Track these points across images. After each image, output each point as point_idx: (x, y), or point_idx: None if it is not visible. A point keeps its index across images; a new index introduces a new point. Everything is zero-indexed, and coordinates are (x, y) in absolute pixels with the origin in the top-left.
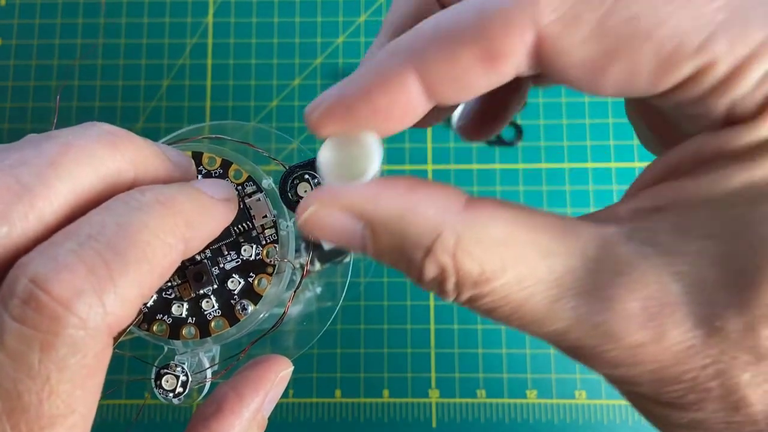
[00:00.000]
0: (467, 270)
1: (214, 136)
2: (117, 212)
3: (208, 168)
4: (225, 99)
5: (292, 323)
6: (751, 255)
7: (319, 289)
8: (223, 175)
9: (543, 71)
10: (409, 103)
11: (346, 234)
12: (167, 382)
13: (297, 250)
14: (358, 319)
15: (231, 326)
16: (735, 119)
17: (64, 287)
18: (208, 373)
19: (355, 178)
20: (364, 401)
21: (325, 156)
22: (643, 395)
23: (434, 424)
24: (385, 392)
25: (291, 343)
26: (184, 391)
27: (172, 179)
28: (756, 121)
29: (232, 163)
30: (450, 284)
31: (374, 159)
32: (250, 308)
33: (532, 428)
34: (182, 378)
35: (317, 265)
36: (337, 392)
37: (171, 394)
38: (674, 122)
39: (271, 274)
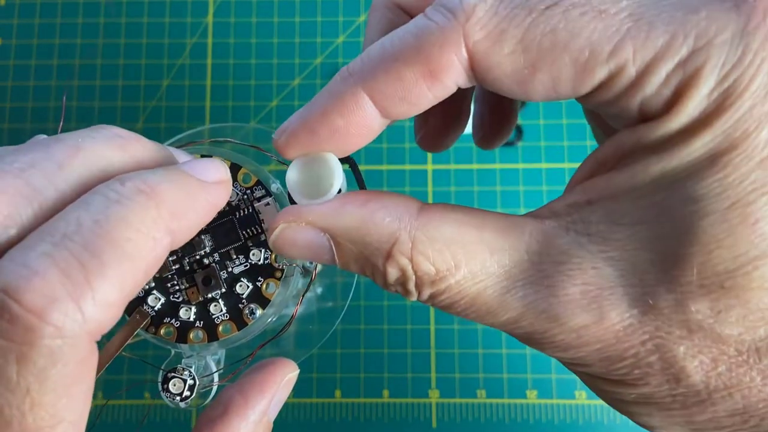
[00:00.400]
0: (424, 270)
1: (222, 139)
2: (94, 207)
3: None
4: (225, 99)
5: (294, 324)
6: (674, 236)
7: (319, 290)
8: (232, 179)
9: (479, 82)
10: (364, 121)
11: (313, 248)
12: (174, 385)
13: None
14: (358, 319)
15: (239, 330)
16: (648, 116)
17: (36, 296)
18: (216, 376)
19: (320, 195)
20: (364, 401)
21: (291, 176)
22: (595, 375)
23: (434, 424)
24: (385, 392)
25: (292, 345)
26: (191, 394)
27: None
28: (665, 116)
29: (241, 167)
30: (411, 285)
31: (336, 176)
32: (258, 312)
33: (532, 428)
34: (189, 381)
35: (318, 266)
36: (337, 392)
37: (178, 398)
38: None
39: (279, 279)
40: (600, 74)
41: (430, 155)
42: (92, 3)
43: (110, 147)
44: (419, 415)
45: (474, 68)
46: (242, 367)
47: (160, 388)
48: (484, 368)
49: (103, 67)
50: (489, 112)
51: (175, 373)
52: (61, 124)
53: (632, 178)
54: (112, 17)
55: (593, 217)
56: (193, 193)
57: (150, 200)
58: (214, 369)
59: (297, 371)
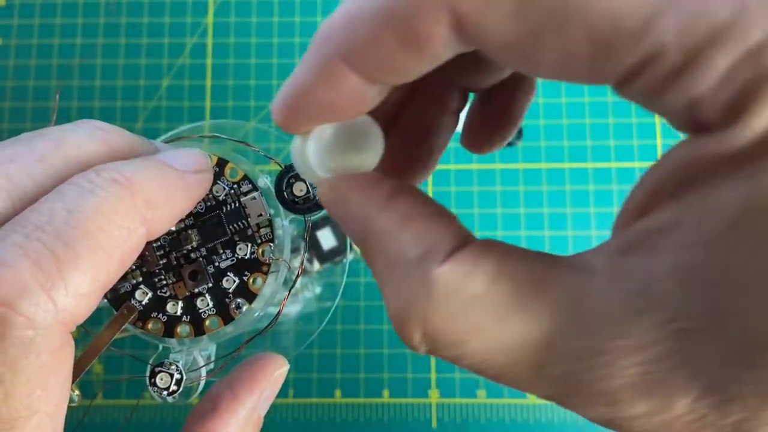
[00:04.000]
0: (445, 335)
1: (210, 135)
2: (68, 198)
3: None
4: (225, 99)
5: (291, 323)
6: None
7: (318, 290)
8: (219, 174)
9: (478, 50)
10: (352, 92)
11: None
12: (161, 380)
13: (296, 249)
14: (358, 319)
15: (226, 324)
16: (701, 125)
17: (6, 286)
18: (203, 371)
19: (358, 166)
20: (364, 401)
21: (314, 146)
22: None
23: (434, 425)
24: (385, 392)
25: (290, 343)
26: (178, 389)
27: None
28: (728, 128)
29: (228, 162)
30: (424, 349)
31: (374, 145)
32: (245, 307)
33: (532, 428)
34: (176, 376)
35: (316, 265)
36: (337, 392)
37: (165, 392)
38: None
39: (266, 273)
40: (627, 57)
41: None
42: (92, 3)
43: (92, 140)
44: (419, 416)
45: (463, 35)
46: (229, 361)
47: (147, 382)
48: None
49: (102, 67)
50: (480, 107)
51: (162, 367)
52: (53, 121)
53: (703, 219)
54: (112, 17)
55: (650, 273)
56: (170, 182)
57: (124, 190)
58: (202, 364)
59: (287, 366)
